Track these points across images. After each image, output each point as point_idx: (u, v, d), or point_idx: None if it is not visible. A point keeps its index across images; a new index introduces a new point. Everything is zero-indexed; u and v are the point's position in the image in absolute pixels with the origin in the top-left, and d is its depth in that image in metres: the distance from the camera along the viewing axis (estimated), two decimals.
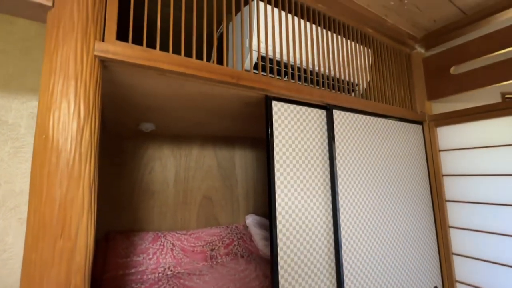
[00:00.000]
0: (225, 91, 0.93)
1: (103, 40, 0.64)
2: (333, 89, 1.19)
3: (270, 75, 0.99)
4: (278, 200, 0.94)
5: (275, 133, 0.97)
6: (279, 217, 0.94)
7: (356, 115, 1.23)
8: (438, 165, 1.50)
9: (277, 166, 0.96)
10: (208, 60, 1.21)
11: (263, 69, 1.06)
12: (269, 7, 1.04)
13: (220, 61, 1.28)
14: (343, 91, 1.24)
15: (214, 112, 1.23)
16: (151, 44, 0.79)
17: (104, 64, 0.65)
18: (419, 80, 1.61)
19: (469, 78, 1.40)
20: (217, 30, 1.25)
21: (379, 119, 1.34)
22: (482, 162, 1.35)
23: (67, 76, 0.54)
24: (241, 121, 1.46)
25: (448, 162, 1.48)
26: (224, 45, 0.92)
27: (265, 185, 2.11)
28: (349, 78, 1.25)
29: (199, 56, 1.15)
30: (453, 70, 1.48)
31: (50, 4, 0.56)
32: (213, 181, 1.86)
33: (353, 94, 1.29)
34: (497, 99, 2.07)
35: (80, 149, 0.53)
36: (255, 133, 1.90)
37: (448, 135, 1.49)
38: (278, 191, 0.94)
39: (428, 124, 1.56)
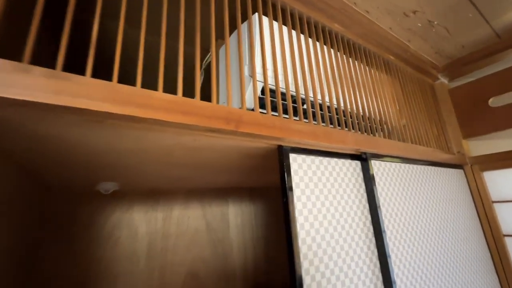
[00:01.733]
0: (217, 143, 0.59)
1: None
2: (365, 131, 0.87)
3: (285, 116, 0.67)
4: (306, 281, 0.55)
5: (297, 204, 0.61)
6: None
7: (394, 164, 0.91)
8: (495, 221, 1.16)
9: (301, 236, 0.58)
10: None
11: (273, 108, 0.74)
12: (275, 24, 0.76)
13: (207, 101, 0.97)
14: (376, 133, 0.93)
15: (201, 167, 0.87)
16: (80, 69, 0.46)
17: None
18: (449, 115, 1.34)
19: None
20: (202, 61, 0.96)
21: (418, 166, 1.02)
22: None
23: None
24: (238, 174, 1.10)
25: (508, 218, 1.14)
26: (213, 75, 0.59)
27: (268, 248, 1.68)
28: (380, 116, 0.95)
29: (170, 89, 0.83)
30: (491, 102, 1.23)
31: None
32: (201, 250, 1.42)
33: (381, 134, 0.98)
34: None
35: None
36: (255, 183, 1.53)
37: (500, 182, 1.17)
38: (305, 267, 0.55)
39: (471, 169, 1.25)
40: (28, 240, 0.95)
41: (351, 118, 0.85)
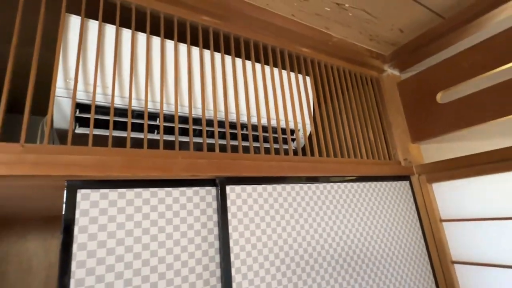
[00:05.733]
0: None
1: None
2: (231, 150, 0.71)
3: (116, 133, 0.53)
4: None
5: (78, 255, 0.48)
6: None
7: (281, 186, 0.73)
8: (443, 244, 0.94)
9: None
10: None
11: (84, 124, 0.60)
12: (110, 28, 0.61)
13: None
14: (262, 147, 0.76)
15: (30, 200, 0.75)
16: None
17: None
18: (396, 113, 1.12)
19: (466, 108, 0.90)
20: None
21: (333, 184, 0.83)
22: None
23: None
24: None
25: (458, 241, 0.91)
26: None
27: None
28: (269, 122, 0.78)
29: None
30: (440, 97, 1.00)
31: None
32: None
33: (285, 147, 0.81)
34: None
35: None
36: None
37: (451, 195, 0.95)
38: None
39: (418, 179, 1.03)
40: None
41: (209, 126, 0.69)
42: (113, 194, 0.54)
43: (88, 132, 0.62)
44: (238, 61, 0.79)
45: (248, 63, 0.81)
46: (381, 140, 1.06)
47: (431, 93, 1.01)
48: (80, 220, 0.50)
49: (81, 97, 0.59)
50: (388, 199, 0.93)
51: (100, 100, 0.61)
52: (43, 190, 0.59)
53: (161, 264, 0.55)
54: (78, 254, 0.49)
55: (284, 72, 0.87)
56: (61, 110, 0.59)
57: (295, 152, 0.86)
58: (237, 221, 0.63)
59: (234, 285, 0.59)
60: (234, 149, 0.79)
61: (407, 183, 1.02)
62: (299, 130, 0.86)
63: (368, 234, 0.83)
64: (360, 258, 0.79)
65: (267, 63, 0.88)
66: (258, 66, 0.82)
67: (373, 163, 0.95)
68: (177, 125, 0.64)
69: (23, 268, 1.12)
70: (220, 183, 0.63)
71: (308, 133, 0.88)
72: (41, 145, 0.50)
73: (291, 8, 0.83)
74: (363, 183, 0.90)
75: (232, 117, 0.74)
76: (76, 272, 0.48)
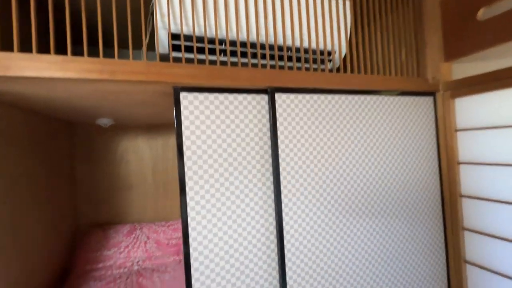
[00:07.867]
0: (129, 87, 0.78)
1: None
2: (281, 66, 0.92)
3: (211, 58, 0.79)
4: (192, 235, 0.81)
5: (185, 133, 0.80)
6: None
7: (312, 96, 0.95)
8: (453, 150, 1.12)
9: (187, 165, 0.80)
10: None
11: (178, 49, 0.86)
12: None
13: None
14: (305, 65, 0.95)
15: (146, 104, 1.09)
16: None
17: None
18: (433, 33, 1.17)
19: (504, 24, 0.94)
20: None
21: (363, 96, 1.02)
22: None
23: None
24: None
25: (468, 146, 1.08)
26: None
27: None
28: (310, 45, 0.95)
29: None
30: (481, 14, 1.02)
31: None
32: None
33: (328, 65, 0.99)
34: None
35: None
36: None
37: (470, 108, 1.08)
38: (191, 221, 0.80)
39: (442, 95, 1.15)
40: (68, 160, 1.40)
41: (264, 49, 0.89)
42: (200, 96, 0.82)
43: (177, 55, 0.88)
44: None
45: None
46: (412, 59, 1.16)
47: (473, 10, 1.03)
48: (183, 112, 0.81)
49: (173, 30, 0.83)
50: (410, 111, 1.10)
51: (185, 31, 0.84)
52: (155, 97, 0.91)
53: (237, 140, 0.86)
54: (185, 132, 0.81)
55: None
56: (160, 40, 0.85)
57: (331, 71, 1.04)
58: (282, 118, 0.90)
59: (280, 159, 0.89)
60: (282, 69, 1.00)
61: (431, 98, 1.15)
62: (335, 53, 1.02)
63: (389, 139, 1.05)
64: (379, 158, 1.03)
65: None
66: None
67: (401, 79, 1.09)
68: (238, 49, 0.86)
69: (138, 158, 1.63)
70: (270, 92, 0.88)
71: (343, 55, 1.04)
72: (156, 62, 0.77)
73: None
74: (389, 96, 1.06)
75: (280, 41, 0.93)
76: (185, 131, 0.81)
